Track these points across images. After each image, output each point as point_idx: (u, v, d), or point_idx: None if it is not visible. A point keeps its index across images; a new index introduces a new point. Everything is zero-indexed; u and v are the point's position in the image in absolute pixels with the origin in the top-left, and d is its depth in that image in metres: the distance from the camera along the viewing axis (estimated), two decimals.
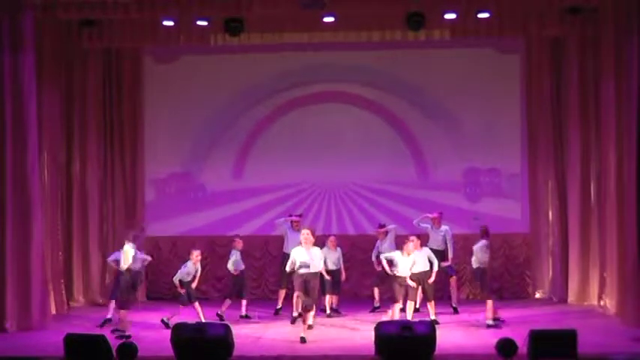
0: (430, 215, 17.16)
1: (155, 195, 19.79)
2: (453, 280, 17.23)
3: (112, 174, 19.31)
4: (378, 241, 17.15)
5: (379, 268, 16.69)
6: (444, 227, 17.12)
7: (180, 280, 15.62)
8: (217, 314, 16.17)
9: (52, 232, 17.15)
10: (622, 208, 15.24)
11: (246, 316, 16.59)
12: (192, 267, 15.79)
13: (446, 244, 17.02)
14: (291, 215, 17.68)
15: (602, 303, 16.66)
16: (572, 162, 18.10)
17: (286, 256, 15.48)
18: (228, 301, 16.47)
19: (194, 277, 15.81)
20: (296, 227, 16.85)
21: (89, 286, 18.72)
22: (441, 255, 16.74)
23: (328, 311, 16.85)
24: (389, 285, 15.65)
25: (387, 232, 17.07)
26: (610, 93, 15.88)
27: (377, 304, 17.20)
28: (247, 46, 18.24)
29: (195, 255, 15.88)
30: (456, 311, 16.87)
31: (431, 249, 16.71)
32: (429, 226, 17.14)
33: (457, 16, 16.80)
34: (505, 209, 19.26)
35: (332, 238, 17.14)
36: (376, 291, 17.34)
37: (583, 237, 17.85)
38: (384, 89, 19.47)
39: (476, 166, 19.38)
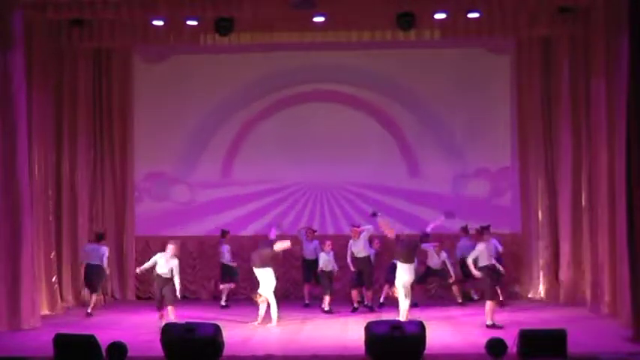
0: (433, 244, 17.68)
1: (145, 195, 19.76)
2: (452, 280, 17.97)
3: (101, 174, 19.32)
4: (351, 241, 17.27)
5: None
6: (443, 254, 17.82)
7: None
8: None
9: (44, 232, 17.10)
10: (613, 207, 15.23)
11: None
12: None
13: (443, 266, 17.80)
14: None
15: (593, 303, 16.66)
16: (563, 162, 18.13)
17: None
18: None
19: None
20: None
21: (79, 287, 18.65)
22: (436, 274, 17.99)
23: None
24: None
25: (360, 232, 17.17)
26: (600, 92, 15.89)
27: (356, 305, 17.25)
28: (237, 45, 18.22)
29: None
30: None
31: (429, 267, 17.89)
32: (431, 248, 17.70)
33: (447, 16, 16.82)
34: (495, 209, 19.29)
35: (328, 242, 17.60)
36: (354, 293, 17.38)
37: (574, 237, 17.88)
38: (374, 89, 19.49)
39: (467, 165, 19.42)
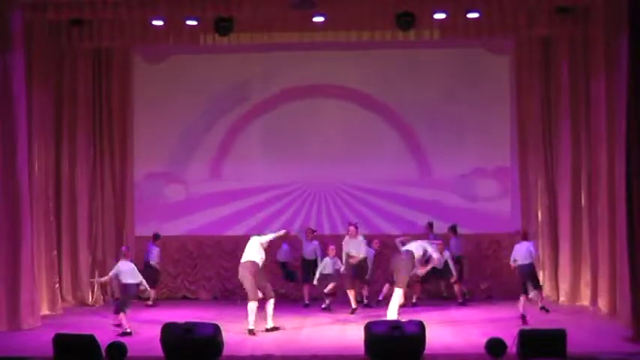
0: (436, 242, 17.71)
1: (144, 195, 19.76)
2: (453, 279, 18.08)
3: (101, 174, 19.30)
4: (347, 238, 17.28)
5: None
6: (446, 253, 17.74)
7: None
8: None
9: (44, 232, 17.10)
10: (613, 207, 15.25)
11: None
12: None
13: (445, 265, 17.70)
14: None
15: (593, 303, 16.65)
16: (563, 162, 18.12)
17: None
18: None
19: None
20: None
21: (78, 287, 18.66)
22: (438, 272, 17.71)
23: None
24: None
25: (356, 235, 17.16)
26: (600, 92, 15.90)
27: (354, 306, 17.21)
28: (237, 45, 18.21)
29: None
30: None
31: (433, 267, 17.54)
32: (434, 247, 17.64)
33: (447, 16, 16.81)
34: (495, 209, 19.29)
35: (332, 247, 17.46)
36: (352, 293, 17.36)
37: (574, 237, 17.86)
38: (373, 89, 19.49)
39: (466, 164, 19.39)
